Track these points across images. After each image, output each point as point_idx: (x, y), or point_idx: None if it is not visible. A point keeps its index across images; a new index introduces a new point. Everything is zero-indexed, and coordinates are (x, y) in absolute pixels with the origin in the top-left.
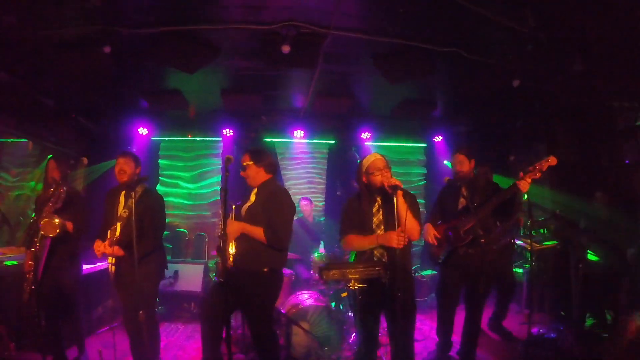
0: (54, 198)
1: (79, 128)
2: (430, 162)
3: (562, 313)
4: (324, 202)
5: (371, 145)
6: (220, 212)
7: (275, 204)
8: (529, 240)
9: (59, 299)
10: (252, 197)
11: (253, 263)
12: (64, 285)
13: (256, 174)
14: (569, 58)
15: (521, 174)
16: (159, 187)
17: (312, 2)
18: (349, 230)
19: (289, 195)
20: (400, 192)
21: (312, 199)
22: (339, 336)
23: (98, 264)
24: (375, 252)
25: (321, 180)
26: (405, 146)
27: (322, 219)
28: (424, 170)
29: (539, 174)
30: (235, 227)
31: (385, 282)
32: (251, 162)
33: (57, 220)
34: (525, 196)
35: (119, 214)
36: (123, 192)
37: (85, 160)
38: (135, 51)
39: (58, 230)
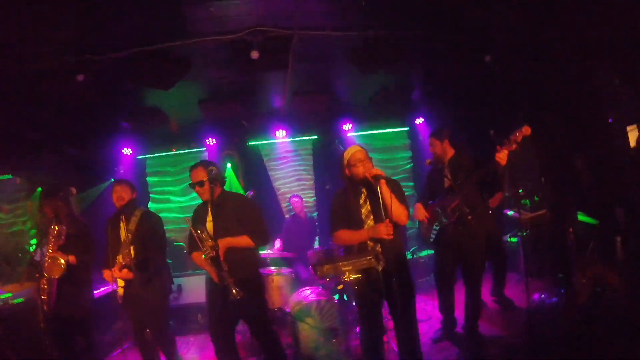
0: (55, 236)
1: (63, 156)
2: (415, 145)
3: (561, 275)
4: (315, 198)
5: (354, 135)
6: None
7: (248, 209)
8: (519, 210)
9: (73, 327)
10: (210, 214)
11: (245, 270)
12: (77, 313)
13: (211, 189)
14: (539, 25)
15: (498, 147)
16: (150, 205)
17: (274, 6)
18: (339, 226)
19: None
20: (382, 181)
21: (302, 196)
22: (345, 327)
23: (102, 289)
24: (369, 243)
25: (309, 177)
26: (388, 132)
27: (315, 214)
28: (409, 154)
29: (514, 145)
30: (223, 244)
31: (380, 270)
32: (206, 179)
33: (61, 261)
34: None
35: (122, 239)
36: (122, 217)
37: (73, 190)
38: (110, 75)
39: (63, 270)
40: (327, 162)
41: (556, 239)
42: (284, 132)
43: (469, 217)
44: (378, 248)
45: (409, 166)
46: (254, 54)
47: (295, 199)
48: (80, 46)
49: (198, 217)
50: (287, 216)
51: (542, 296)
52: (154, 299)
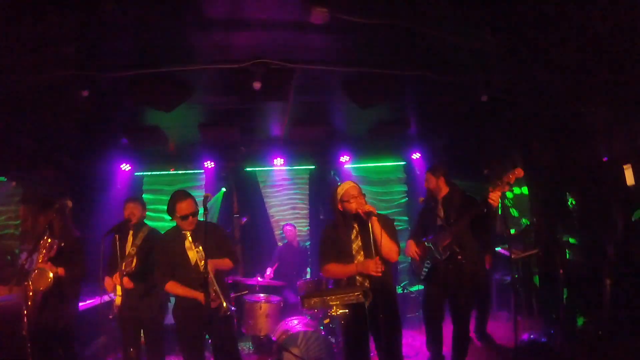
0: (47, 248)
1: (60, 167)
2: (411, 179)
3: (554, 316)
4: (309, 227)
5: (351, 167)
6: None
7: (219, 234)
8: (510, 249)
9: (55, 339)
10: (190, 243)
11: (227, 291)
12: (59, 325)
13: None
14: (532, 69)
15: (490, 188)
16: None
17: (279, 39)
18: (328, 259)
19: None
20: (374, 218)
21: (296, 225)
22: (330, 359)
23: (88, 302)
24: (358, 278)
25: (304, 206)
26: (384, 165)
27: (308, 243)
28: (404, 188)
29: (507, 187)
30: (211, 266)
31: (367, 306)
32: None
33: (50, 274)
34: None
35: (127, 251)
36: (131, 232)
37: (69, 203)
38: (111, 92)
39: (50, 282)
40: (323, 192)
41: (547, 278)
42: (282, 160)
43: (459, 257)
44: (367, 283)
45: (403, 200)
46: (257, 85)
47: (288, 228)
48: (83, 63)
49: (171, 244)
50: (279, 244)
51: (532, 336)
52: (151, 312)
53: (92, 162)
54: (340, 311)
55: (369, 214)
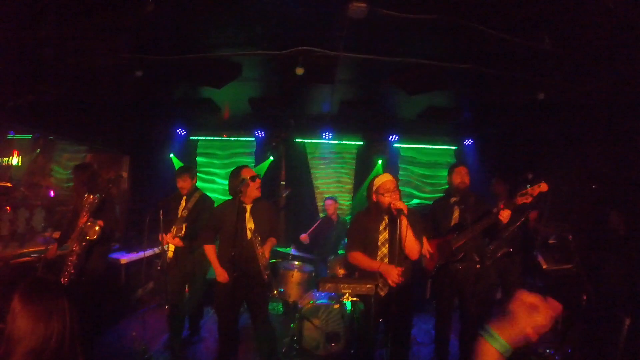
0: (89, 205)
1: (123, 128)
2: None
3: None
4: (351, 202)
5: (399, 146)
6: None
7: (273, 213)
8: (544, 258)
9: (89, 284)
10: (250, 216)
11: (267, 262)
12: (93, 274)
13: (254, 191)
14: (591, 71)
15: (501, 205)
16: (197, 184)
17: (321, 29)
18: (356, 246)
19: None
20: (403, 217)
21: (338, 199)
22: (347, 335)
23: (138, 254)
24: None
25: (349, 180)
26: (434, 148)
27: (348, 217)
28: None
29: (530, 199)
30: (268, 245)
31: (383, 295)
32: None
33: (97, 228)
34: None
35: (179, 215)
36: (184, 197)
37: (124, 174)
38: (166, 73)
39: (98, 232)
40: (370, 169)
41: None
42: (330, 134)
43: (477, 265)
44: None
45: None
46: (299, 71)
47: (329, 202)
48: (140, 47)
49: (231, 215)
50: (321, 215)
51: (547, 350)
52: (194, 267)
53: (151, 126)
54: (352, 299)
55: (400, 212)
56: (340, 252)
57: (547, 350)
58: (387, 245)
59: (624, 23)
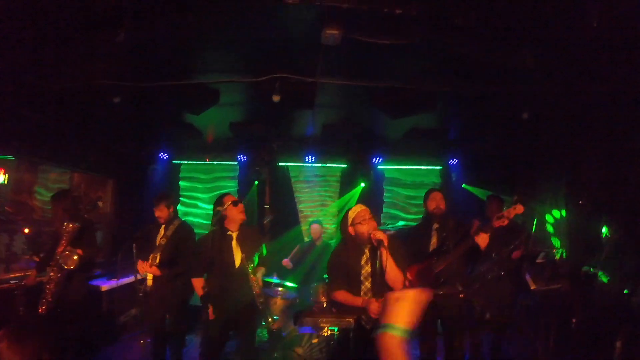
0: (67, 233)
1: (107, 152)
2: (446, 185)
3: None
4: (335, 225)
5: (384, 168)
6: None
7: (259, 241)
8: (533, 278)
9: (70, 312)
10: (236, 245)
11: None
12: (79, 299)
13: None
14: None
15: (473, 229)
16: (179, 208)
17: (297, 56)
18: (338, 284)
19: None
20: (383, 249)
21: (323, 222)
22: None
23: (121, 280)
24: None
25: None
26: (419, 169)
27: (332, 241)
28: None
29: (506, 221)
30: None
31: (369, 328)
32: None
33: (75, 257)
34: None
35: (158, 243)
36: (163, 225)
37: (100, 204)
38: (147, 98)
39: (76, 261)
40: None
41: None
42: (314, 157)
43: (461, 294)
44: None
45: None
46: (276, 98)
47: (315, 226)
48: (120, 74)
49: (217, 243)
50: (306, 239)
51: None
52: (174, 295)
53: (137, 149)
54: (330, 332)
55: (380, 243)
56: (325, 276)
57: None
58: (370, 280)
59: (607, 41)
